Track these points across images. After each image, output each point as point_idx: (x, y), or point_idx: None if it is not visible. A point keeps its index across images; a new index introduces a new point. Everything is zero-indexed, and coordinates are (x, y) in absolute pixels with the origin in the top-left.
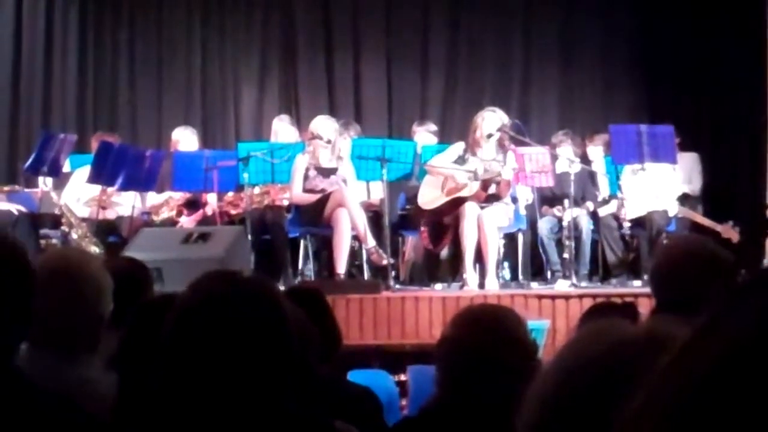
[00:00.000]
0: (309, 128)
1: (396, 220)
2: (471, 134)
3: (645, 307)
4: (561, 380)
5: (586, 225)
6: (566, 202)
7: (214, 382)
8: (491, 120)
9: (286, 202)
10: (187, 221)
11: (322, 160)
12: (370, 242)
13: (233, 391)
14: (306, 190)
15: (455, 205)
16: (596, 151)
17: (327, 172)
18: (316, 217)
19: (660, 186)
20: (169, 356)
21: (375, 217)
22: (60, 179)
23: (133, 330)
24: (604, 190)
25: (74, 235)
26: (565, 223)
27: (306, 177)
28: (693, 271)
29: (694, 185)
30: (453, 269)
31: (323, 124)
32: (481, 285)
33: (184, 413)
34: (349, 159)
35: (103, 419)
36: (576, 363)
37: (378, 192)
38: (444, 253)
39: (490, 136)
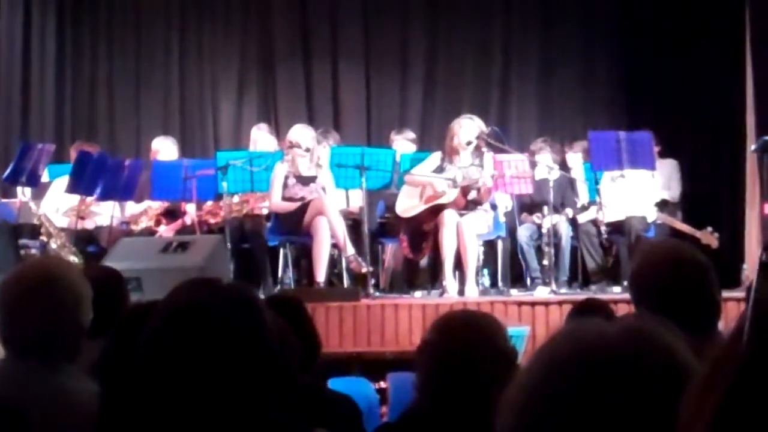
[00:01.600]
0: (287, 137)
1: (375, 227)
2: (448, 142)
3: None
4: (534, 382)
5: (566, 232)
6: (545, 209)
7: (195, 390)
8: (468, 127)
9: (265, 211)
10: (165, 230)
11: (301, 169)
12: (350, 250)
13: (214, 399)
14: (285, 199)
15: (434, 212)
16: (575, 158)
17: (306, 180)
18: (295, 225)
19: (639, 192)
20: (149, 364)
21: (354, 225)
22: (38, 189)
23: (116, 339)
24: (583, 196)
25: (53, 245)
26: (544, 230)
27: (285, 185)
28: (671, 276)
29: (673, 191)
30: (432, 276)
31: (301, 133)
32: (461, 292)
33: (165, 421)
34: (328, 167)
35: (82, 429)
36: (549, 365)
37: (357, 200)
38: (423, 260)
39: (469, 143)
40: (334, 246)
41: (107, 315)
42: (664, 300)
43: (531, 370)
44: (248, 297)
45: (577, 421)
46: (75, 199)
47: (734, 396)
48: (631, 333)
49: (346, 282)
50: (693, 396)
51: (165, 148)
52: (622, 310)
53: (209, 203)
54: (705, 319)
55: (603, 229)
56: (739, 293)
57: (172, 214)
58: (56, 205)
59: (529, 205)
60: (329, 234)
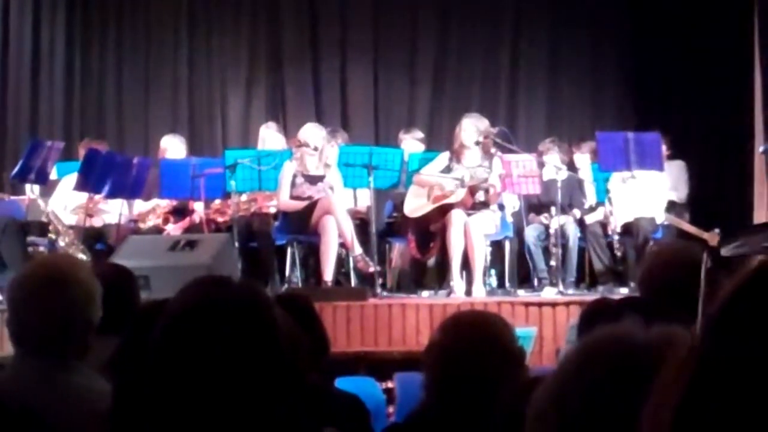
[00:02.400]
0: (297, 135)
1: (383, 227)
2: (455, 142)
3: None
4: (563, 390)
5: (573, 232)
6: (553, 209)
7: (205, 389)
8: (468, 127)
9: (273, 210)
10: (173, 229)
11: (310, 168)
12: (357, 250)
13: (224, 398)
14: (293, 197)
15: (442, 212)
16: (583, 159)
17: (314, 180)
18: (303, 224)
19: (648, 193)
20: (159, 362)
21: (362, 224)
22: (47, 187)
23: (129, 336)
24: (590, 197)
25: (61, 243)
26: (551, 231)
27: (293, 184)
28: (681, 278)
29: (680, 193)
30: (440, 276)
31: (311, 132)
32: (468, 292)
33: (175, 419)
34: (336, 166)
35: (92, 425)
36: (577, 372)
37: (365, 199)
38: (431, 260)
39: (478, 143)
40: (342, 245)
41: (118, 312)
42: (673, 301)
43: (558, 377)
44: (259, 295)
45: (606, 426)
46: (83, 196)
47: (692, 398)
48: (658, 341)
49: (353, 281)
50: (654, 398)
51: (173, 147)
52: None
53: (217, 202)
54: None
55: (616, 238)
56: None
57: (180, 213)
58: (64, 202)
59: (536, 206)
60: (337, 233)
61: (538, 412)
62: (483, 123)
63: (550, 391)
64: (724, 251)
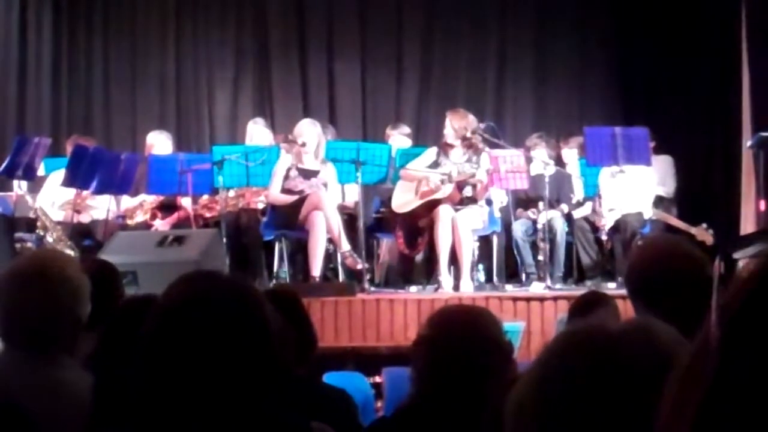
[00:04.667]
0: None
1: (371, 223)
2: (443, 138)
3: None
4: (540, 382)
5: (561, 227)
6: (541, 204)
7: (194, 383)
8: (447, 124)
9: (261, 205)
10: (161, 224)
11: (306, 162)
12: (345, 246)
13: (213, 392)
14: (285, 190)
15: (429, 208)
16: (571, 154)
17: (308, 174)
18: (291, 219)
19: (636, 188)
20: (148, 356)
21: (350, 219)
22: (35, 183)
23: (110, 331)
24: (578, 192)
25: (49, 239)
26: (539, 226)
27: (287, 177)
28: (668, 270)
29: (668, 188)
30: (428, 272)
31: (300, 127)
32: (456, 287)
33: (161, 414)
34: (331, 162)
35: (80, 420)
36: (554, 364)
37: (353, 195)
38: (419, 255)
39: (465, 139)
40: (330, 241)
41: (102, 308)
42: (661, 294)
43: (537, 369)
44: (249, 289)
45: (581, 420)
46: (71, 192)
47: (712, 400)
48: (635, 331)
49: (341, 277)
50: (672, 396)
51: (160, 143)
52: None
53: (205, 197)
54: (701, 313)
55: (605, 238)
56: None
57: (167, 208)
58: (52, 198)
59: (524, 201)
60: (325, 229)
61: (519, 407)
62: (464, 120)
63: (530, 385)
64: (738, 255)
